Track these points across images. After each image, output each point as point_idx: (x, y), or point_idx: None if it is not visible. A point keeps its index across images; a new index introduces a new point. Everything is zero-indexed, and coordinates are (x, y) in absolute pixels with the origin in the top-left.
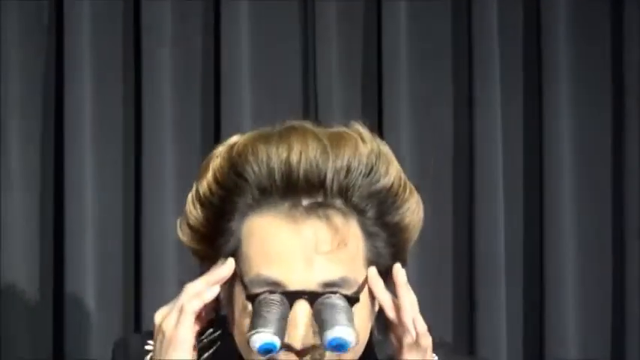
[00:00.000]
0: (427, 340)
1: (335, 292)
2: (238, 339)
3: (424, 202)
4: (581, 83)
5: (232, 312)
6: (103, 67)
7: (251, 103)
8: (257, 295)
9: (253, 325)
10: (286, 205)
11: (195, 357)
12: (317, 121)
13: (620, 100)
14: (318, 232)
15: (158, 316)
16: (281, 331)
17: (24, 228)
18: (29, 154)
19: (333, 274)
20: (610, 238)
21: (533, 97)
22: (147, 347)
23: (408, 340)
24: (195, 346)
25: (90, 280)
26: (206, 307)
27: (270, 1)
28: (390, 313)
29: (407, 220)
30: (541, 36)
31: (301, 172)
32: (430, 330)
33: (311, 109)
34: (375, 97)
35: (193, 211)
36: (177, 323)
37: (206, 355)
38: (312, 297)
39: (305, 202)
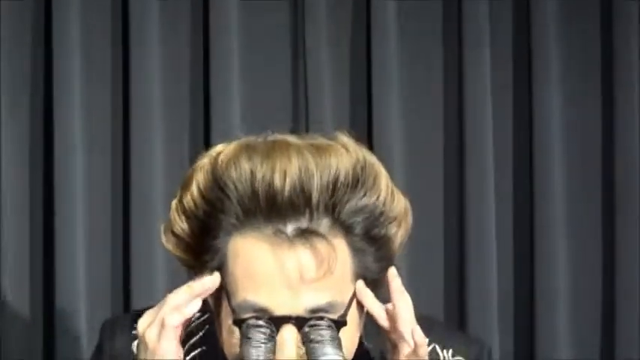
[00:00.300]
0: (425, 350)
1: (322, 318)
2: (223, 344)
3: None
4: (571, 48)
5: (220, 326)
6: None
7: (240, 101)
8: (244, 320)
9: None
10: (270, 230)
11: (182, 353)
12: (306, 119)
13: (609, 69)
14: (303, 263)
15: (141, 326)
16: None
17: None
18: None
19: (319, 300)
20: (599, 201)
21: (523, 65)
22: (134, 332)
23: (405, 349)
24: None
25: (80, 280)
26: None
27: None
28: (384, 323)
29: (394, 230)
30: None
31: (285, 195)
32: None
33: (301, 104)
34: (364, 91)
35: (178, 220)
36: (159, 336)
37: (193, 340)
38: (299, 322)
39: (290, 227)
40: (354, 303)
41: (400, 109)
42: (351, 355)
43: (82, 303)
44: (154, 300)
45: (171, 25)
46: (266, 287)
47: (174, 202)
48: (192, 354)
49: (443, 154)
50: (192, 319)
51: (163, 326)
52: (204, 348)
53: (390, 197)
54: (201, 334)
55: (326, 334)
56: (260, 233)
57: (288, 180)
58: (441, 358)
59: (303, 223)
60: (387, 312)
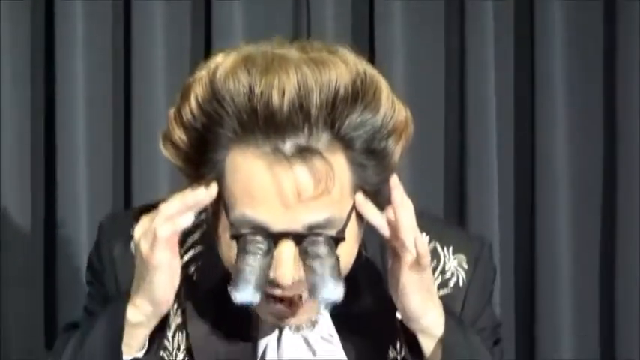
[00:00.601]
0: (427, 260)
1: (320, 234)
2: (220, 251)
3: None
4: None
5: (218, 234)
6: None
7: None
8: (242, 234)
9: (235, 281)
10: (268, 147)
11: (179, 262)
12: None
13: (611, 65)
14: (300, 181)
15: (136, 234)
16: (263, 282)
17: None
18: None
19: (317, 217)
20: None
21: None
22: (132, 232)
23: (407, 258)
24: (178, 248)
25: (81, 179)
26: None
27: None
28: (386, 233)
29: (395, 143)
30: None
31: (284, 113)
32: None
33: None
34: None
35: (177, 130)
36: (152, 247)
37: (191, 239)
38: (296, 238)
39: (288, 144)
40: (354, 216)
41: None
42: (350, 267)
43: (83, 201)
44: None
45: None
46: (264, 204)
47: (171, 112)
48: (190, 253)
49: (444, 73)
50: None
51: (155, 237)
52: (201, 248)
53: (390, 110)
54: (199, 232)
55: (325, 249)
56: (258, 150)
57: (286, 97)
58: (441, 256)
59: (302, 140)
60: (389, 221)
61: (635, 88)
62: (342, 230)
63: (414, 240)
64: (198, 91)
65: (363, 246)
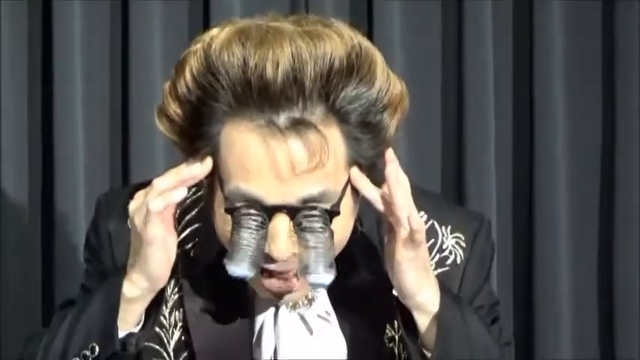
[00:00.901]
0: (422, 235)
1: (314, 207)
2: (215, 226)
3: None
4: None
5: (213, 211)
6: None
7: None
8: (236, 208)
9: (230, 255)
10: (263, 120)
11: (176, 239)
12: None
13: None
14: (294, 154)
15: (130, 209)
16: (259, 257)
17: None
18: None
19: (311, 190)
20: (598, 199)
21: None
22: (129, 207)
23: (402, 234)
24: (174, 223)
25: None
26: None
27: None
28: (380, 207)
29: (390, 117)
30: None
31: (278, 86)
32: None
33: None
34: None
35: (172, 104)
36: (145, 221)
37: (189, 215)
38: (291, 211)
39: (283, 117)
40: (349, 190)
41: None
42: (345, 242)
43: (81, 179)
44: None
45: None
46: (258, 177)
47: (167, 85)
48: (188, 230)
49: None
50: (187, 195)
51: (148, 211)
52: (199, 224)
53: (385, 83)
54: (196, 209)
55: (319, 223)
56: (252, 123)
57: (280, 69)
58: (439, 234)
59: (296, 113)
60: (383, 196)
61: (634, 88)
62: (337, 204)
63: (408, 215)
64: (193, 64)
65: (358, 221)
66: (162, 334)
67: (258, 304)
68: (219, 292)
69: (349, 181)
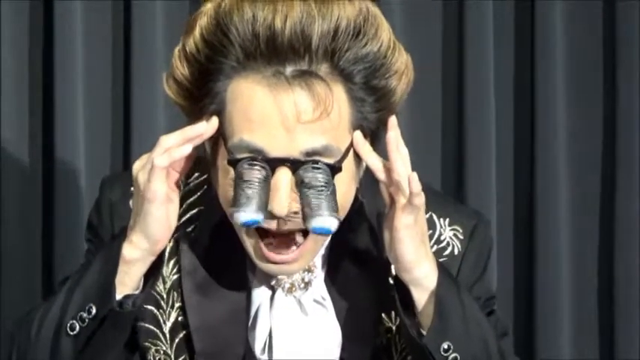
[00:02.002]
0: (421, 200)
1: (317, 162)
2: (219, 193)
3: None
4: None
5: (215, 169)
6: None
7: None
8: (239, 160)
9: (236, 201)
10: (270, 71)
11: (178, 206)
12: None
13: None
14: (300, 102)
15: (134, 168)
16: (263, 204)
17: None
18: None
19: (315, 142)
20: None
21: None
22: (132, 189)
23: (401, 200)
24: (178, 190)
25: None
26: (185, 158)
27: None
28: (380, 175)
29: (394, 83)
30: None
31: (286, 38)
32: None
33: None
34: None
35: (180, 66)
36: (149, 177)
37: (192, 199)
38: (294, 165)
39: (289, 68)
40: (351, 154)
41: None
42: (347, 209)
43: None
44: None
45: None
46: (263, 127)
47: (176, 49)
48: (190, 213)
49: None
50: (191, 179)
51: (153, 167)
52: (201, 207)
53: (391, 50)
54: (199, 193)
55: (321, 178)
56: (259, 75)
57: (288, 23)
58: (437, 226)
59: (303, 66)
60: (384, 165)
61: (635, 88)
62: (340, 161)
63: (408, 178)
64: (203, 24)
65: (359, 190)
66: (159, 315)
67: (255, 289)
68: (217, 275)
69: (352, 145)
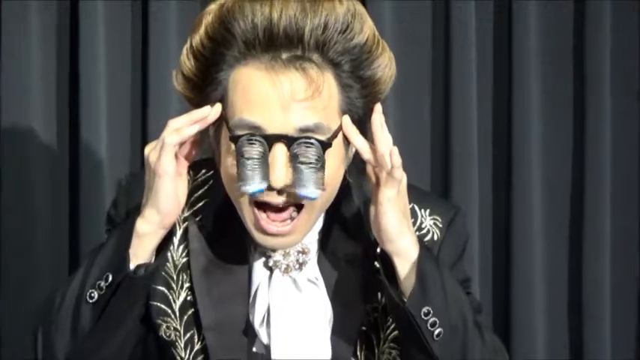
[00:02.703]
0: (401, 173)
1: (310, 138)
2: (222, 173)
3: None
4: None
5: (219, 152)
6: None
7: None
8: (240, 136)
9: (241, 176)
10: (267, 57)
11: (186, 184)
12: None
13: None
14: (294, 82)
15: (146, 150)
16: (265, 176)
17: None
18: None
19: (308, 120)
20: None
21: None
22: (146, 177)
23: (383, 175)
24: (186, 170)
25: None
26: (192, 144)
27: None
28: (366, 155)
29: (379, 74)
30: None
31: (281, 27)
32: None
33: None
34: None
35: (187, 62)
36: (159, 155)
37: (200, 192)
38: (289, 140)
39: (284, 55)
40: (341, 138)
41: None
42: (335, 186)
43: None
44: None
45: None
46: (261, 107)
47: (184, 48)
48: (198, 205)
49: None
50: (199, 175)
51: (163, 145)
52: (207, 199)
53: (375, 45)
54: (206, 187)
55: (313, 153)
56: (258, 61)
57: (284, 16)
58: (419, 215)
59: (297, 52)
60: (370, 146)
61: (606, 87)
62: (330, 138)
63: (390, 152)
64: (208, 21)
65: (347, 173)
66: (169, 295)
67: (256, 269)
68: (222, 257)
69: (341, 128)
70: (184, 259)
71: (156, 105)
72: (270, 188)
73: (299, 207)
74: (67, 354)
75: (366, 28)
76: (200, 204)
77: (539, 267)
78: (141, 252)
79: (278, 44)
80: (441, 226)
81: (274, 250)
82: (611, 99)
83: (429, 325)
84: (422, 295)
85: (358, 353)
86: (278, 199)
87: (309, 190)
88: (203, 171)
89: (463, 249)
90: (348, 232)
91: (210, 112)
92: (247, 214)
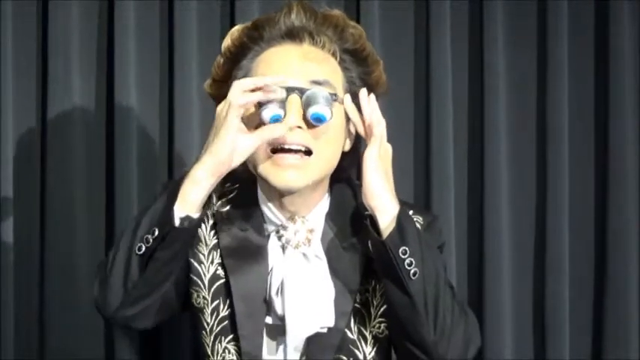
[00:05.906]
0: (382, 129)
1: (320, 83)
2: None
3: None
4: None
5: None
6: None
7: None
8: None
9: (264, 108)
10: (286, 40)
11: (242, 147)
12: None
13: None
14: (308, 48)
15: (218, 108)
16: (283, 109)
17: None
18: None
19: (319, 75)
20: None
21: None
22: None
23: (369, 137)
24: (245, 132)
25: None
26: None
27: None
28: (360, 129)
29: (372, 67)
30: None
31: (297, 22)
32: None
33: None
34: None
35: (218, 69)
36: (227, 113)
37: (227, 197)
38: (302, 91)
39: (300, 36)
40: (343, 119)
41: None
42: (336, 153)
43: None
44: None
45: None
46: (280, 68)
47: (215, 62)
48: (226, 207)
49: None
50: (227, 185)
51: (230, 105)
52: (236, 191)
53: (367, 44)
54: (231, 195)
55: (321, 99)
56: (278, 44)
57: (299, 16)
58: None
59: (311, 37)
60: (361, 119)
61: (564, 88)
62: (336, 95)
63: (371, 112)
64: (239, 27)
65: (346, 160)
66: (201, 269)
67: (271, 247)
68: (244, 240)
69: (342, 101)
70: (215, 240)
71: (181, 101)
72: (284, 130)
73: (308, 152)
74: (120, 300)
75: (360, 32)
76: (227, 206)
77: (506, 267)
78: (190, 197)
79: (294, 34)
80: (422, 223)
81: (285, 229)
82: (568, 92)
83: (406, 265)
84: (399, 238)
85: (352, 326)
86: (292, 138)
87: (319, 106)
88: (229, 184)
89: (440, 248)
90: (351, 222)
91: (257, 80)
92: (264, 160)
